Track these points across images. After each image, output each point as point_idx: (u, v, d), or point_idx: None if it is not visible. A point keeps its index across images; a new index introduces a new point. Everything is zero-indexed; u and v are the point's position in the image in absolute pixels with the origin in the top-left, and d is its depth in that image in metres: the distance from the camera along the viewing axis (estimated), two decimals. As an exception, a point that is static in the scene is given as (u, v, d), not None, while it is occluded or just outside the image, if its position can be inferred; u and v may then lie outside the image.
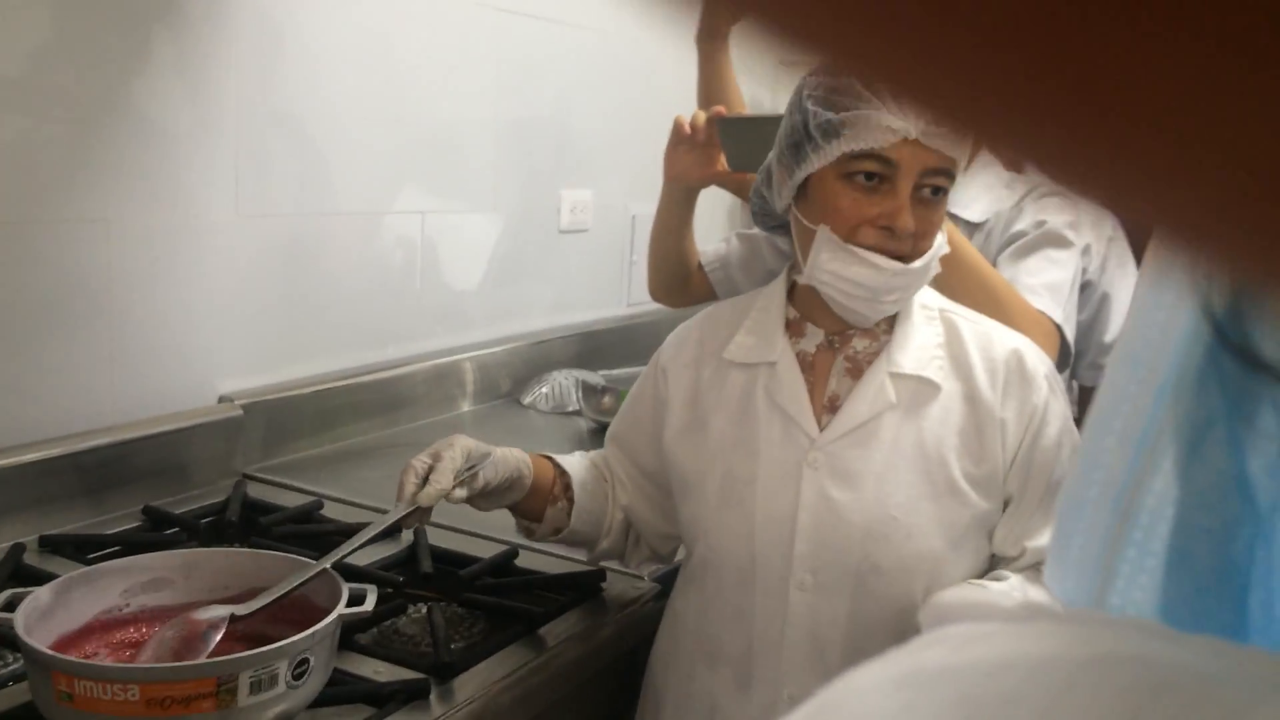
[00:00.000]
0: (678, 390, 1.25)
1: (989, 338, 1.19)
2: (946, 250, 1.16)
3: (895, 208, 1.09)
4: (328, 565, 1.07)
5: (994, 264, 1.51)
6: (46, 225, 1.45)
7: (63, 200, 1.47)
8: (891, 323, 1.19)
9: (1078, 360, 1.74)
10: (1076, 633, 0.29)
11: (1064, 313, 1.46)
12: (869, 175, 1.10)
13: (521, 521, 1.28)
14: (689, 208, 1.67)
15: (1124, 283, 1.63)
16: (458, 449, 1.15)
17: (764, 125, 1.42)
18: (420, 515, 1.14)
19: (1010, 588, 1.11)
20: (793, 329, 1.22)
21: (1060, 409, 1.17)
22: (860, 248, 1.11)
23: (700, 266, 1.73)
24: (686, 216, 1.68)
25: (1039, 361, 1.18)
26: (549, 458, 1.28)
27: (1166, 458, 0.33)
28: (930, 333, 1.18)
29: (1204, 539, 0.32)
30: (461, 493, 1.15)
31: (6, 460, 1.40)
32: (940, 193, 1.12)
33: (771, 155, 1.21)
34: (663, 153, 1.62)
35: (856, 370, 1.18)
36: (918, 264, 1.12)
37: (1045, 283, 1.47)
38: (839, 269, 1.12)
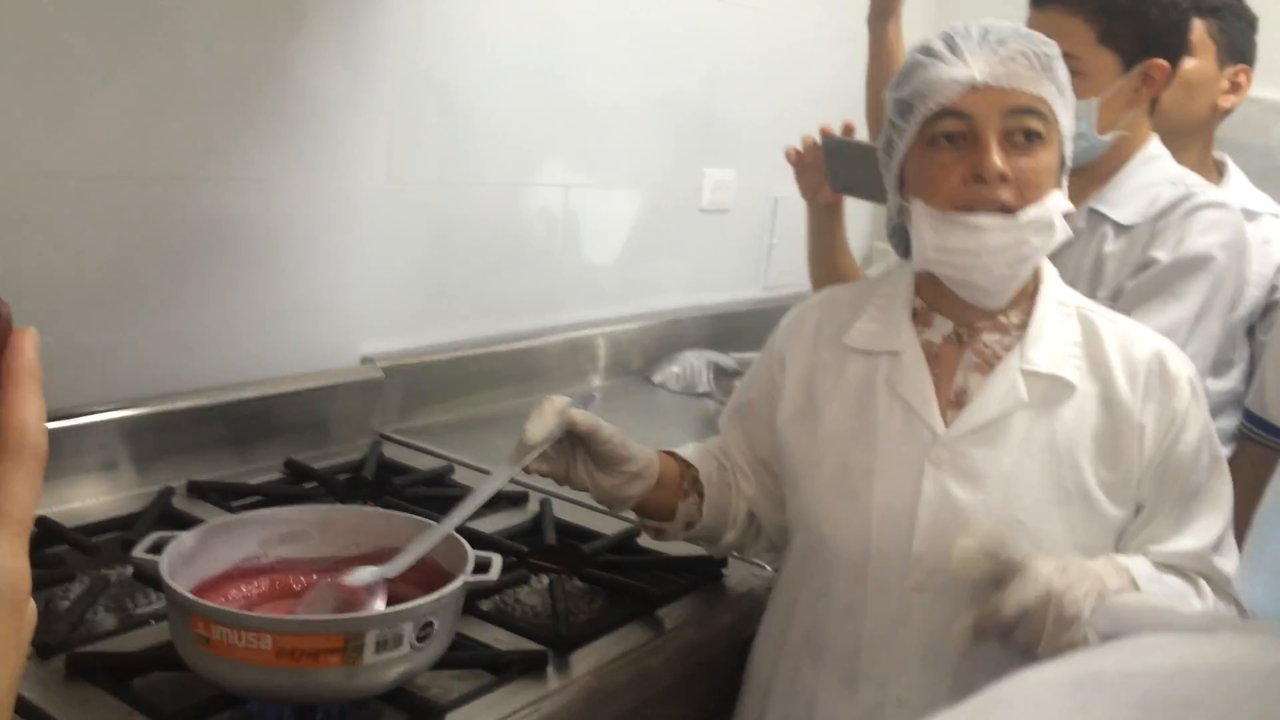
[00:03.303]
0: (793, 373, 1.22)
1: (1129, 337, 1.13)
2: (1069, 208, 1.10)
3: (979, 156, 1.06)
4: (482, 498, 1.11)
5: (1123, 291, 1.43)
6: (209, 181, 1.51)
7: (225, 158, 1.52)
8: (1025, 317, 1.14)
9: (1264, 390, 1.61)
10: (1260, 643, 0.29)
11: (1191, 350, 1.33)
12: (950, 137, 1.07)
13: (650, 522, 1.24)
14: (834, 224, 1.67)
15: None
16: (557, 397, 1.15)
17: (863, 151, 1.42)
18: (538, 455, 1.12)
19: (1183, 591, 1.07)
20: (919, 319, 1.17)
21: (1200, 415, 1.11)
22: (956, 212, 1.07)
23: None
24: (834, 234, 1.67)
25: (1182, 365, 1.12)
26: (672, 453, 1.24)
27: None
28: (1067, 330, 1.13)
29: None
30: (578, 412, 1.12)
31: (161, 407, 1.47)
32: (1036, 138, 1.07)
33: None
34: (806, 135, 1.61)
35: (986, 365, 1.13)
36: (1024, 216, 1.06)
37: (1160, 327, 1.36)
38: (940, 240, 1.08)
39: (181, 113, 1.46)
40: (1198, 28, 1.71)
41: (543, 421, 1.12)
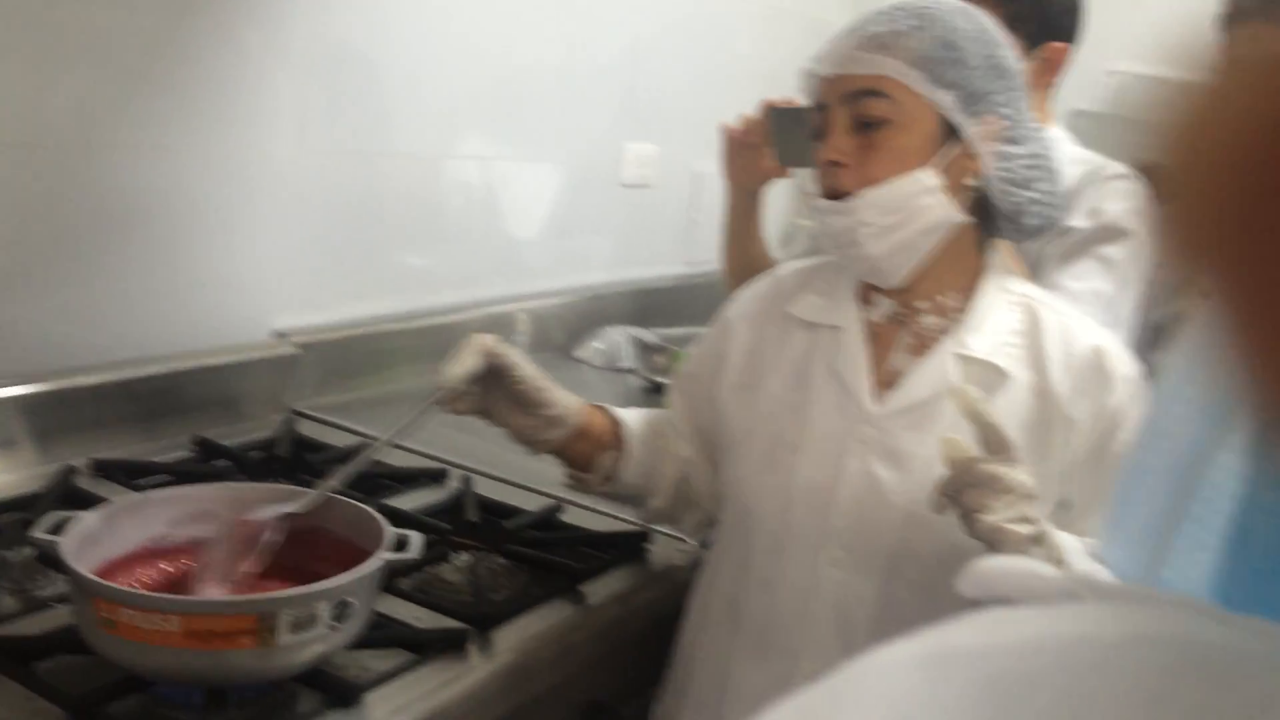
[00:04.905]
0: (738, 344, 1.22)
1: (1071, 330, 1.12)
2: (931, 184, 1.07)
3: (824, 144, 1.09)
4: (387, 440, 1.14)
5: (1042, 257, 1.45)
6: (112, 150, 1.45)
7: (129, 126, 1.46)
8: (966, 302, 1.13)
9: None
10: (1111, 613, 0.28)
11: (1115, 316, 1.40)
12: (820, 130, 1.11)
13: (573, 472, 1.24)
14: (754, 211, 1.65)
15: None
16: (480, 335, 1.14)
17: (812, 114, 1.38)
18: (456, 399, 1.12)
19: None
20: (863, 296, 1.17)
21: (1137, 416, 1.09)
22: (816, 199, 1.11)
23: None
24: (752, 219, 1.65)
25: (1122, 362, 1.11)
26: (603, 408, 1.25)
27: (1238, 432, 0.31)
28: (1009, 318, 1.12)
29: (1271, 520, 0.30)
30: (498, 345, 1.12)
31: (62, 383, 1.41)
32: (880, 122, 1.06)
33: None
34: (731, 111, 1.59)
35: (920, 347, 1.13)
36: (855, 198, 1.07)
37: (1092, 288, 1.40)
38: (818, 224, 1.14)
39: (82, 78, 1.40)
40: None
41: (460, 361, 1.11)
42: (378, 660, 1.04)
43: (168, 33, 1.48)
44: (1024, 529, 0.95)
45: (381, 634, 1.06)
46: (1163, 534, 0.33)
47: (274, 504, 1.07)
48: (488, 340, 1.13)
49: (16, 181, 1.37)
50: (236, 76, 1.57)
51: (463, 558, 1.27)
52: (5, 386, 1.36)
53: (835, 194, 1.09)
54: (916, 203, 1.08)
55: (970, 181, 1.09)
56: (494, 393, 1.15)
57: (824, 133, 1.10)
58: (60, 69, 1.38)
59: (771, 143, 1.53)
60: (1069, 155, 1.53)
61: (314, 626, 0.92)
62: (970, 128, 1.08)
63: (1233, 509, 0.31)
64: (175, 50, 1.49)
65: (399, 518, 1.26)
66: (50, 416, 1.39)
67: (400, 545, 1.03)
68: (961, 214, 1.10)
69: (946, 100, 1.07)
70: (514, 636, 1.12)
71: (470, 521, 1.35)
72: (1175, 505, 0.32)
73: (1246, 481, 0.31)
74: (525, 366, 1.15)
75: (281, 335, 1.72)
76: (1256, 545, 0.31)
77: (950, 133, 1.08)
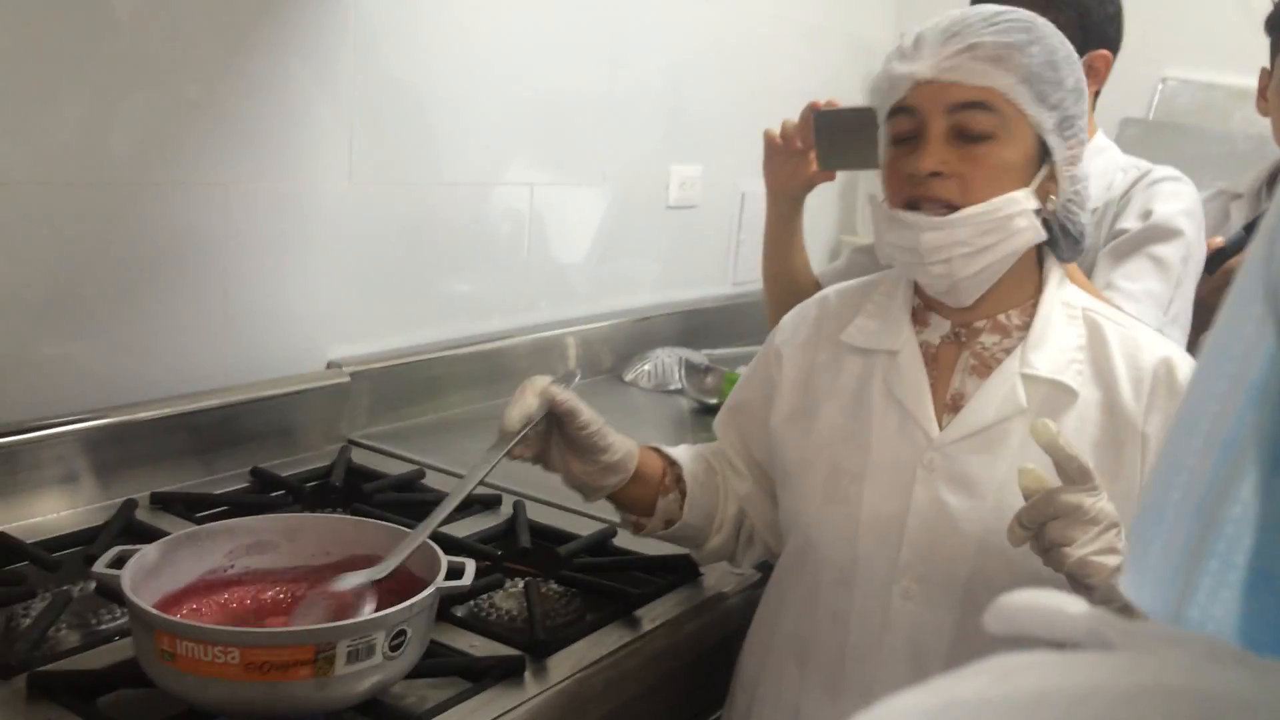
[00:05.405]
0: (790, 372, 1.19)
1: (1136, 343, 1.08)
2: (1031, 206, 1.04)
3: (918, 153, 1.04)
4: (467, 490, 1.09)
5: (1095, 259, 1.43)
6: (165, 188, 1.48)
7: (182, 163, 1.49)
8: (1027, 319, 1.10)
9: None
10: (1125, 661, 0.28)
11: (1171, 314, 1.38)
12: (906, 135, 1.06)
13: (629, 516, 1.21)
14: (795, 220, 1.61)
15: None
16: (538, 378, 1.11)
17: (859, 115, 1.29)
18: (521, 443, 1.09)
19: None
20: (918, 318, 1.14)
21: None
22: (899, 209, 1.06)
23: (817, 287, 1.67)
24: (794, 230, 1.62)
25: (1189, 372, 1.08)
26: (657, 449, 1.22)
27: (1256, 465, 0.30)
28: (1071, 334, 1.09)
29: None
30: (559, 390, 1.09)
31: (122, 417, 1.43)
32: (984, 136, 1.02)
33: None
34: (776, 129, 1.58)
35: (984, 368, 1.09)
36: (958, 215, 1.02)
37: (1146, 288, 1.38)
38: (886, 236, 1.08)
39: (137, 118, 1.43)
40: None
41: (522, 405, 1.08)
42: (435, 689, 1.04)
43: (220, 69, 1.50)
44: (1111, 560, 0.92)
45: (438, 662, 1.06)
46: (1186, 571, 0.32)
47: (355, 572, 1.05)
48: (547, 385, 1.10)
49: (73, 220, 1.40)
50: (286, 111, 1.60)
51: (517, 584, 1.27)
52: (65, 423, 1.38)
53: (937, 205, 1.04)
54: (1012, 224, 1.04)
55: (1050, 204, 1.07)
56: (550, 437, 1.12)
57: (917, 139, 1.04)
58: (115, 106, 1.41)
59: (815, 146, 1.51)
60: (1117, 163, 1.51)
61: (371, 656, 0.92)
62: (1060, 150, 1.06)
63: (1252, 547, 0.30)
64: (227, 86, 1.52)
65: (453, 545, 1.26)
66: (110, 451, 1.42)
67: (454, 573, 1.03)
68: (1043, 236, 1.08)
69: (1049, 121, 1.04)
70: (570, 663, 1.12)
71: (523, 548, 1.35)
72: (1197, 541, 0.31)
73: (1260, 523, 0.30)
74: (587, 411, 1.11)
75: (335, 365, 1.74)
76: (1274, 587, 0.30)
77: (1045, 153, 1.06)
